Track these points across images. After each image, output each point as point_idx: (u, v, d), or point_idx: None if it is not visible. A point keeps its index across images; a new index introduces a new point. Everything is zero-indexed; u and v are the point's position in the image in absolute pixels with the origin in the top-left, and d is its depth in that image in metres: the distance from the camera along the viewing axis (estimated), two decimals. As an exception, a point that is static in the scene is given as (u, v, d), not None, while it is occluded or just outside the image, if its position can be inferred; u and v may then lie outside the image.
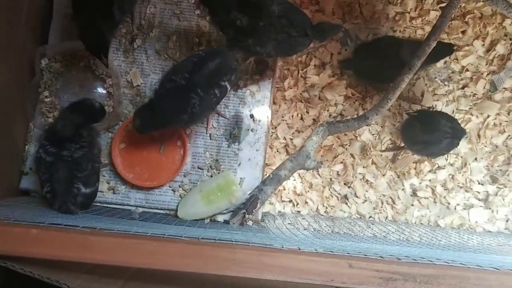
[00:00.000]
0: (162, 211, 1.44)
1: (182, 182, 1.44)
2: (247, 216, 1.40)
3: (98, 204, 1.43)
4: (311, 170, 1.64)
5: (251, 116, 1.47)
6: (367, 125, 1.64)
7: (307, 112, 1.88)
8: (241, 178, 1.45)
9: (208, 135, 1.45)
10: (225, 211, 1.43)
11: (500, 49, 1.93)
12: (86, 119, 1.30)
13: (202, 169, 1.45)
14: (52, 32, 1.47)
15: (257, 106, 1.47)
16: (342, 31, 1.94)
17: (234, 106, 1.46)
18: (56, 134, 1.28)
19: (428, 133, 1.62)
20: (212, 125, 1.46)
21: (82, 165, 1.26)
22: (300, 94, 1.89)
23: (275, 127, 1.85)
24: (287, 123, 1.87)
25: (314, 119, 1.88)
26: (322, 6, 1.93)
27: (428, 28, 1.95)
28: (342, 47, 1.94)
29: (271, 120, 1.83)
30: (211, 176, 1.44)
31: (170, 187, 1.44)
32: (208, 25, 1.47)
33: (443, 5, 1.95)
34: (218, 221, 1.44)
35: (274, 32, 1.28)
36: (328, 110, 1.89)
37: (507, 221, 1.86)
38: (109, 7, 1.25)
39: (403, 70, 1.51)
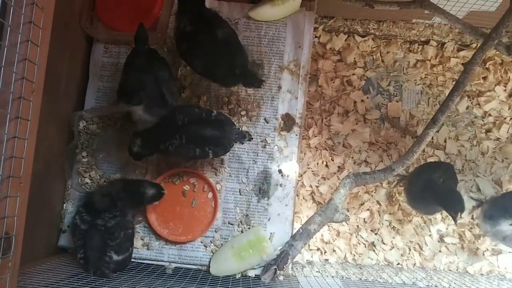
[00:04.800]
0: (194, 267, 1.43)
1: (214, 237, 1.43)
2: (278, 272, 1.37)
3: (133, 260, 1.42)
4: (342, 221, 1.61)
5: (280, 171, 1.46)
6: (393, 176, 1.61)
7: (332, 160, 1.86)
8: (271, 233, 1.44)
9: (238, 190, 1.45)
10: (256, 266, 1.41)
11: (523, 94, 1.89)
12: (131, 202, 1.31)
13: (233, 224, 1.44)
14: (88, 96, 1.50)
15: (285, 161, 1.46)
16: (364, 79, 1.94)
17: (262, 162, 1.46)
18: (93, 203, 1.30)
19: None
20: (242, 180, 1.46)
21: (114, 234, 1.26)
22: (325, 142, 1.88)
23: (301, 175, 1.84)
24: (313, 171, 1.86)
25: (339, 166, 1.86)
26: (344, 56, 1.93)
27: (449, 75, 1.94)
28: (364, 95, 1.93)
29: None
30: (242, 231, 1.43)
31: (202, 242, 1.43)
32: (237, 86, 1.48)
33: (463, 52, 1.94)
34: (250, 276, 1.42)
35: (205, 52, 1.28)
36: (352, 157, 1.87)
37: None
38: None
39: (428, 124, 1.49)
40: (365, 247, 1.80)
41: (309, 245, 1.78)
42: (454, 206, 1.50)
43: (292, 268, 1.69)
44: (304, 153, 1.86)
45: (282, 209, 1.45)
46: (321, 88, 1.91)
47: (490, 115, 1.91)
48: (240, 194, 1.45)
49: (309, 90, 1.89)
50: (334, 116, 1.89)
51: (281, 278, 1.41)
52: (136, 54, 1.28)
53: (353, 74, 1.93)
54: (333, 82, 1.92)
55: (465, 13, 1.77)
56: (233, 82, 1.34)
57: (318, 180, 1.84)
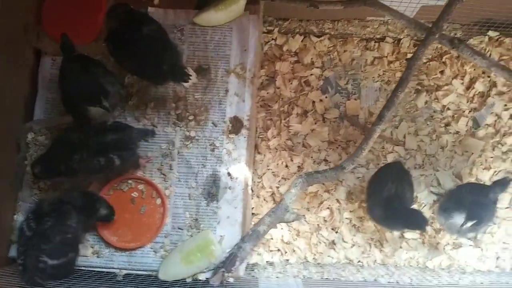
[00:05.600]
0: (145, 272, 1.42)
1: (163, 243, 1.42)
2: (226, 274, 1.37)
3: (83, 268, 1.42)
4: (293, 221, 1.60)
5: (229, 174, 1.45)
6: (343, 174, 1.60)
7: (292, 160, 1.86)
8: (221, 236, 1.43)
9: (187, 195, 1.45)
10: (205, 270, 1.40)
11: (479, 86, 1.88)
12: (81, 212, 1.31)
13: (182, 229, 1.43)
14: (37, 108, 1.50)
15: (234, 164, 1.45)
16: (322, 79, 1.94)
17: (211, 165, 1.45)
18: (40, 210, 1.29)
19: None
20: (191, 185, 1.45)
21: (48, 237, 1.24)
22: (284, 142, 1.87)
23: (261, 177, 1.84)
24: (273, 172, 1.85)
25: (298, 166, 1.85)
26: (301, 57, 1.93)
27: (406, 71, 1.91)
28: (323, 94, 1.93)
29: (255, 170, 1.83)
30: (192, 236, 1.42)
31: (151, 248, 1.43)
32: (184, 91, 1.48)
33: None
34: (200, 280, 1.41)
35: (132, 50, 1.29)
36: (312, 157, 1.86)
37: (497, 258, 1.77)
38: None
39: (374, 121, 1.49)
40: (326, 246, 1.79)
41: (269, 247, 1.77)
42: (415, 225, 1.50)
43: (254, 270, 1.70)
44: (264, 155, 1.85)
45: (231, 211, 1.44)
46: (279, 90, 1.90)
47: (448, 109, 1.90)
48: (190, 199, 1.45)
49: (267, 92, 1.89)
50: (293, 116, 1.89)
51: (231, 280, 1.40)
52: (69, 61, 1.30)
53: (311, 75, 1.93)
54: (291, 83, 1.91)
55: (417, 8, 1.76)
56: (162, 79, 1.34)
57: (279, 181, 1.84)
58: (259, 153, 1.86)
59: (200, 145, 1.45)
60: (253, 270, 1.72)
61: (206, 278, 1.41)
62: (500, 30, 1.83)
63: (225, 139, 1.46)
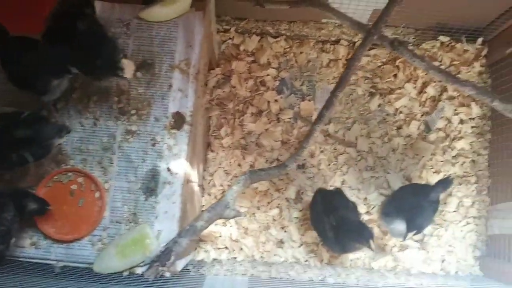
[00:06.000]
0: (82, 265, 1.41)
1: (101, 236, 1.42)
2: (160, 268, 1.36)
3: (22, 259, 1.41)
4: (232, 219, 1.60)
5: (168, 169, 1.45)
6: (286, 172, 1.60)
7: (244, 159, 1.86)
8: (158, 230, 1.42)
9: (127, 189, 1.44)
10: (142, 264, 1.40)
11: (431, 91, 1.89)
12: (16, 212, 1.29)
13: (121, 223, 1.42)
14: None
15: (174, 159, 1.45)
16: (278, 80, 1.94)
17: (151, 160, 1.45)
18: None
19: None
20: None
21: None
22: (238, 141, 1.88)
23: (212, 174, 1.84)
24: (225, 170, 1.85)
25: (251, 165, 1.86)
26: (257, 57, 1.94)
27: (360, 73, 1.94)
28: (278, 94, 1.93)
29: (207, 168, 1.84)
30: (129, 230, 1.42)
31: (89, 241, 1.42)
32: (127, 84, 1.48)
33: (373, 51, 1.94)
34: (137, 273, 1.40)
35: (68, 45, 1.29)
36: (264, 156, 1.87)
37: (443, 261, 1.77)
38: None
39: (314, 120, 1.49)
40: (274, 244, 1.79)
41: (217, 244, 1.77)
42: (362, 240, 1.49)
43: (203, 267, 1.69)
44: (217, 153, 1.86)
45: (169, 206, 1.44)
46: (234, 89, 1.91)
47: (401, 112, 1.91)
48: (129, 193, 1.44)
49: (223, 91, 1.90)
50: (247, 116, 1.89)
51: (167, 275, 1.40)
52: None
53: (267, 75, 1.94)
54: (247, 83, 1.92)
55: (370, 12, 1.78)
56: (97, 74, 1.34)
57: (230, 179, 1.84)
58: (212, 151, 1.86)
59: (141, 140, 1.45)
60: (202, 267, 1.72)
61: (142, 272, 1.40)
62: (451, 34, 1.85)
63: (166, 134, 1.46)
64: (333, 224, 1.57)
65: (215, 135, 1.86)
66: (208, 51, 1.66)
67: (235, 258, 1.77)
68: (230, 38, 1.94)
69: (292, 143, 1.88)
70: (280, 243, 1.79)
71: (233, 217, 1.47)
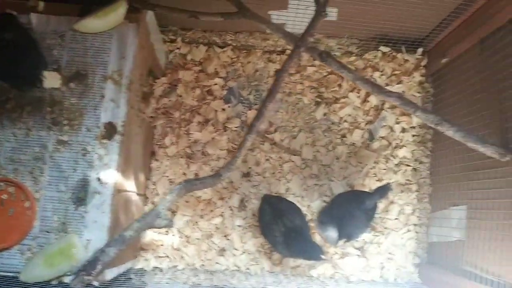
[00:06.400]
0: (11, 274, 1.42)
1: (31, 245, 1.42)
2: (86, 278, 1.36)
3: (-49, 270, 1.42)
4: (164, 227, 1.60)
5: (98, 179, 1.46)
6: (221, 181, 1.61)
7: (189, 168, 1.87)
8: (87, 240, 1.43)
9: (57, 199, 1.45)
10: (69, 273, 1.40)
11: (374, 100, 1.91)
12: None
13: (50, 233, 1.43)
14: None
15: (104, 169, 1.46)
16: (226, 89, 1.96)
17: (82, 170, 1.46)
18: None
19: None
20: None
21: None
22: (183, 150, 1.89)
23: (155, 183, 1.85)
24: (169, 179, 1.86)
25: (196, 174, 1.87)
26: (205, 66, 1.95)
27: (307, 83, 1.96)
28: (225, 104, 1.95)
29: (150, 177, 1.84)
30: (58, 239, 1.42)
31: (18, 250, 1.42)
32: (61, 95, 1.49)
33: (318, 61, 1.95)
34: (66, 283, 1.41)
35: None
36: (210, 165, 1.88)
37: (382, 269, 1.79)
38: None
39: (246, 130, 1.51)
40: (216, 253, 1.80)
41: (158, 252, 1.78)
42: (315, 257, 1.52)
43: (144, 275, 1.70)
44: (161, 162, 1.87)
45: (98, 216, 1.44)
46: (181, 98, 1.92)
47: (345, 121, 1.93)
48: (59, 202, 1.45)
49: (169, 100, 1.91)
50: (193, 124, 1.91)
51: (95, 283, 1.40)
52: None
53: (215, 84, 1.95)
54: (194, 92, 1.93)
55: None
56: (19, 84, 1.36)
57: (175, 188, 1.84)
58: (156, 160, 1.87)
59: (72, 150, 1.46)
60: (144, 275, 1.73)
61: (69, 281, 1.40)
62: (392, 45, 1.87)
63: (97, 144, 1.47)
64: (282, 229, 1.58)
65: (159, 144, 1.87)
66: (147, 62, 1.67)
67: (176, 266, 1.77)
68: (177, 48, 1.95)
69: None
70: (222, 251, 1.80)
71: (165, 226, 1.47)
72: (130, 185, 1.59)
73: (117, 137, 1.48)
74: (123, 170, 1.50)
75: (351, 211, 1.58)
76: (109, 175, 1.46)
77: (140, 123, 1.67)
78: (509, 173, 1.27)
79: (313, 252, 1.55)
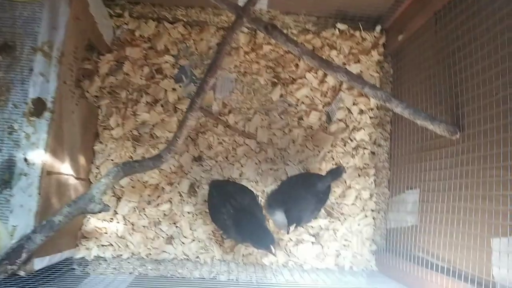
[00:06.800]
0: None
1: (-50, 233, 1.30)
2: (9, 267, 1.25)
3: None
4: (99, 212, 1.49)
5: (25, 159, 1.33)
6: (162, 163, 1.50)
7: (135, 151, 1.75)
8: (13, 226, 1.31)
9: (-21, 182, 1.32)
10: (-8, 262, 1.28)
11: (331, 80, 1.82)
12: None
13: (-28, 219, 1.31)
14: None
15: (32, 149, 1.34)
16: (177, 67, 1.84)
17: (8, 150, 1.33)
18: None
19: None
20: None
21: None
22: (130, 132, 1.77)
23: (99, 167, 1.73)
24: (114, 162, 1.75)
25: (143, 157, 1.75)
26: (154, 43, 1.83)
27: (263, 62, 1.86)
28: (176, 83, 1.83)
29: (93, 160, 1.72)
30: (-19, 225, 1.30)
31: None
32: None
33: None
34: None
35: None
36: (158, 148, 1.76)
37: (337, 256, 1.71)
38: None
39: (187, 108, 1.40)
40: (163, 241, 1.69)
41: (100, 241, 1.66)
42: (263, 244, 1.41)
43: (88, 265, 1.59)
44: (106, 144, 1.75)
45: (25, 200, 1.32)
46: (128, 76, 1.80)
47: (302, 102, 1.84)
48: (-19, 186, 1.32)
49: (116, 78, 1.79)
50: (141, 105, 1.79)
51: (21, 273, 1.28)
52: None
53: (165, 62, 1.84)
54: (142, 70, 1.81)
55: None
56: None
57: (120, 172, 1.72)
58: (100, 142, 1.75)
59: (-3, 128, 1.33)
60: (87, 265, 1.62)
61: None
62: (350, 23, 1.79)
63: (24, 122, 1.35)
64: (230, 211, 1.48)
65: (104, 125, 1.75)
66: (85, 35, 1.55)
67: (121, 255, 1.66)
68: (124, 23, 1.83)
69: (189, 134, 1.78)
70: (170, 239, 1.70)
71: (99, 212, 1.36)
72: (64, 168, 1.47)
73: (47, 114, 1.36)
74: (53, 150, 1.38)
75: (301, 194, 1.49)
76: (37, 155, 1.34)
77: (77, 100, 1.54)
78: (459, 152, 1.20)
79: (263, 239, 1.44)
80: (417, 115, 1.22)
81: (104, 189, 1.35)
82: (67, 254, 1.59)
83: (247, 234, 1.45)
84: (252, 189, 1.62)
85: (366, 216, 1.75)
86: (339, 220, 1.74)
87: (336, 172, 1.54)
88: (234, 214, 1.47)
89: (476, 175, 1.12)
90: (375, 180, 1.77)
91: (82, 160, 1.63)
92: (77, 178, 1.59)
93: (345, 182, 1.76)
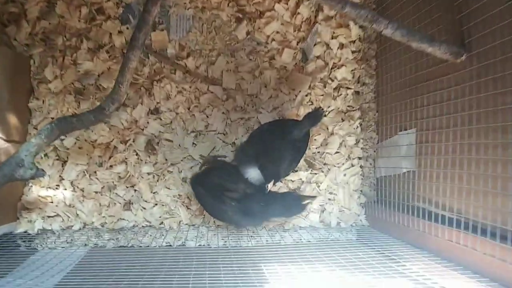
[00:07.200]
0: None
1: None
2: None
3: None
4: (31, 178, 1.23)
5: None
6: (107, 117, 1.24)
7: (80, 106, 1.49)
8: None
9: None
10: None
11: (305, 11, 1.56)
12: None
13: None
14: None
15: None
16: (122, 6, 1.55)
17: None
18: None
19: None
20: None
21: None
22: (72, 84, 1.50)
23: (37, 127, 1.47)
24: (56, 121, 1.47)
25: (89, 113, 1.48)
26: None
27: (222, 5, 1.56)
28: (123, 25, 1.54)
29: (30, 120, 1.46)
30: None
31: None
32: None
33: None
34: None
35: None
36: (107, 101, 1.49)
37: (322, 212, 1.51)
38: None
39: (128, 46, 1.13)
40: (121, 207, 1.46)
41: (45, 212, 1.42)
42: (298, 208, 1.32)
43: (35, 240, 1.36)
44: (43, 100, 1.48)
45: None
46: (63, 19, 1.50)
47: (273, 39, 1.57)
48: None
49: (49, 23, 1.50)
50: (82, 52, 1.51)
51: None
52: None
53: (108, 1, 1.53)
54: (80, 11, 1.51)
55: None
56: None
57: (63, 133, 1.46)
58: (36, 98, 1.48)
59: None
60: (34, 240, 1.39)
61: None
62: None
63: None
64: (233, 205, 1.29)
65: (39, 78, 1.48)
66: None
67: (72, 227, 1.43)
68: (55, -45, 1.50)
69: (142, 84, 1.52)
70: (128, 204, 1.47)
71: (31, 178, 1.12)
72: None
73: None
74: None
75: (275, 145, 1.25)
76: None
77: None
78: (465, 78, 0.96)
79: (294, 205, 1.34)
80: (410, 37, 0.98)
81: (36, 151, 1.11)
82: (6, 229, 1.36)
83: (274, 212, 1.32)
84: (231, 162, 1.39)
85: (352, 165, 1.54)
86: (322, 171, 1.52)
87: (314, 116, 1.30)
88: (238, 206, 1.26)
89: (487, 104, 0.89)
90: (361, 124, 1.55)
91: (13, 119, 1.37)
92: (8, 141, 1.33)
93: (327, 128, 1.53)
